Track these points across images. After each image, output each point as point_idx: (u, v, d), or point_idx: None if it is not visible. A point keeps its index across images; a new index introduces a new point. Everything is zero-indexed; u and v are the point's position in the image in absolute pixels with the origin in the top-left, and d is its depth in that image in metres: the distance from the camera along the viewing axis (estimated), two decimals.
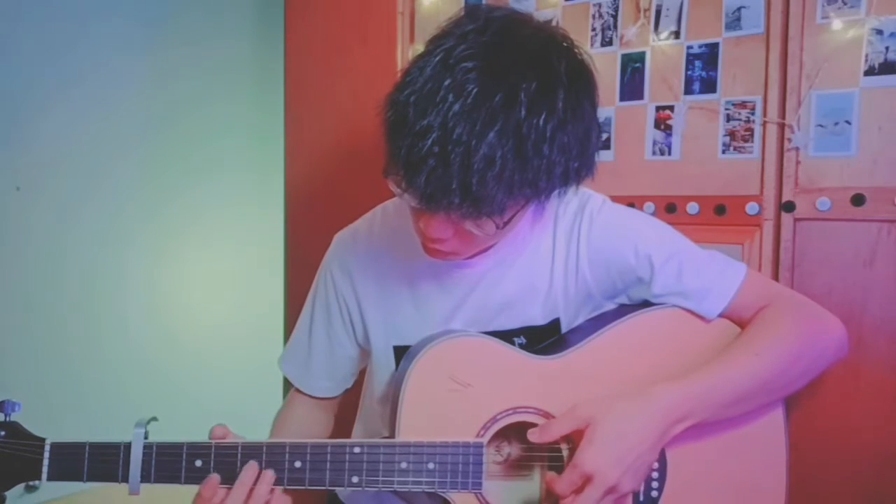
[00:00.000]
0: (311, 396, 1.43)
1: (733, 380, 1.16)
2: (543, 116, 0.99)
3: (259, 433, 1.20)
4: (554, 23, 1.11)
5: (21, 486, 1.17)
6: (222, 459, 1.13)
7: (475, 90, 0.97)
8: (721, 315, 1.25)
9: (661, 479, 1.21)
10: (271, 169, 2.52)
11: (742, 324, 1.25)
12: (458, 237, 1.11)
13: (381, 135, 1.06)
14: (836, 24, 1.41)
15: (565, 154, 1.02)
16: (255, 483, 1.12)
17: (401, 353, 1.27)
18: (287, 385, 2.02)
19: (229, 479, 1.12)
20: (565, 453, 1.16)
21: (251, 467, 1.12)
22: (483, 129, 0.97)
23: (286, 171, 2.22)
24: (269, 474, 1.12)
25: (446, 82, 0.98)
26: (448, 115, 0.97)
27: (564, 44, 1.06)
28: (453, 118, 0.97)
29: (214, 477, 1.13)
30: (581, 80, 1.05)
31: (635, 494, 1.20)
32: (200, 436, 1.17)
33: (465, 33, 1.02)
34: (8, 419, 1.14)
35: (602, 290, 1.28)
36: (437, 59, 1.01)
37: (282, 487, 1.14)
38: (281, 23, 2.21)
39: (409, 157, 1.00)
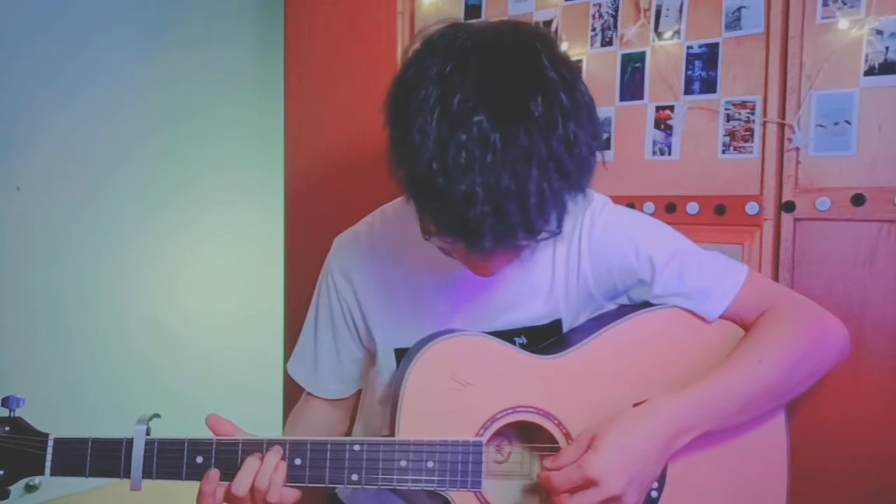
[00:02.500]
0: (323, 398, 1.43)
1: (739, 388, 1.16)
2: (561, 124, 0.97)
3: (259, 432, 1.20)
4: (554, 24, 1.11)
5: (21, 486, 1.17)
6: (223, 456, 1.14)
7: (498, 137, 0.94)
8: (722, 316, 1.25)
9: (661, 481, 1.20)
10: (271, 169, 2.52)
11: (743, 325, 1.25)
12: (504, 264, 1.11)
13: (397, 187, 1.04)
14: (836, 24, 1.41)
15: (589, 143, 1.01)
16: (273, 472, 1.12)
17: (402, 355, 1.27)
18: (287, 384, 2.03)
19: (230, 475, 1.13)
20: (563, 444, 1.16)
21: (276, 452, 1.13)
22: (524, 169, 0.95)
23: (286, 172, 2.23)
24: (283, 465, 1.13)
25: (463, 138, 0.94)
26: (487, 173, 0.94)
27: (536, 42, 1.01)
28: (493, 173, 0.94)
29: (214, 472, 1.13)
30: (566, 65, 1.02)
31: None
32: (200, 434, 1.17)
33: (444, 77, 0.97)
34: (12, 415, 1.15)
35: (603, 290, 1.28)
36: (436, 116, 0.96)
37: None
38: (281, 25, 2.21)
39: (464, 226, 0.97)
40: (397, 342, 1.30)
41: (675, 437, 1.12)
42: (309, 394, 1.45)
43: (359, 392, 1.47)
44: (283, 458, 1.14)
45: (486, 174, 0.94)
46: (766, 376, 1.17)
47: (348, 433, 1.48)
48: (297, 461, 1.14)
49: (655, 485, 1.20)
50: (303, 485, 1.14)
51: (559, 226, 1.03)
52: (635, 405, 1.16)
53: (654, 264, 1.24)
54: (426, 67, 1.00)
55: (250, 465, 1.13)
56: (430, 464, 1.13)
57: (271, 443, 1.14)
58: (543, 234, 1.02)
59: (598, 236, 1.25)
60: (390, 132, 1.03)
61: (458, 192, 0.95)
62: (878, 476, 1.40)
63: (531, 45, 1.01)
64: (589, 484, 1.06)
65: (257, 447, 1.14)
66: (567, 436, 1.17)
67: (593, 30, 1.67)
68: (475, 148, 0.94)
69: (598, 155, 1.06)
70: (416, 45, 1.05)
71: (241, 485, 1.12)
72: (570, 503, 1.06)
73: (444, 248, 1.07)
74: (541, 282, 1.27)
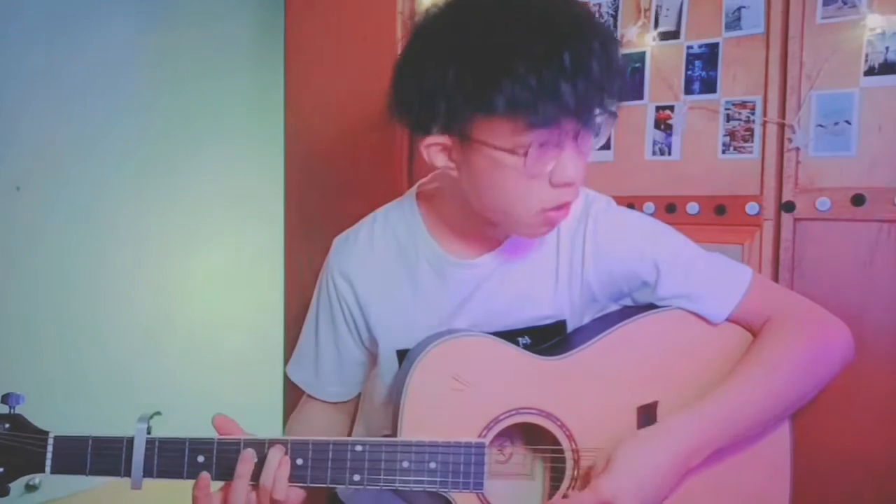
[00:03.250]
0: (322, 401, 1.43)
1: (752, 406, 1.16)
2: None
3: (259, 433, 1.20)
4: None
5: (21, 486, 1.17)
6: (224, 455, 1.13)
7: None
8: (726, 318, 1.25)
9: None
10: (272, 169, 2.52)
11: (747, 327, 1.25)
12: (581, 167, 1.12)
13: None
14: (836, 23, 1.41)
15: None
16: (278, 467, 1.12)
17: (404, 356, 1.26)
18: (287, 385, 2.03)
19: (230, 474, 1.12)
20: (568, 454, 1.16)
21: (278, 449, 1.13)
22: (595, 31, 1.06)
23: (286, 172, 2.23)
24: (287, 460, 1.13)
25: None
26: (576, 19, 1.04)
27: None
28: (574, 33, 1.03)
29: (205, 475, 1.13)
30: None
31: None
32: (201, 434, 1.17)
33: None
34: (12, 412, 1.14)
35: (607, 292, 1.28)
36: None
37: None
38: (281, 25, 2.21)
39: (575, 66, 1.01)
40: (399, 343, 1.30)
41: (689, 458, 1.12)
42: (309, 397, 1.44)
43: (358, 395, 1.47)
44: (286, 454, 1.13)
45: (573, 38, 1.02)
46: (777, 389, 1.17)
47: (348, 436, 1.47)
48: (299, 461, 1.13)
49: None
50: (304, 485, 1.14)
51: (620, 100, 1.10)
52: (639, 408, 1.16)
53: (659, 266, 1.24)
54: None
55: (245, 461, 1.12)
56: (433, 464, 1.13)
57: (273, 442, 1.14)
58: (614, 103, 1.09)
59: (603, 237, 1.25)
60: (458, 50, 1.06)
61: (545, 57, 1.00)
62: (878, 477, 1.40)
63: None
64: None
65: (259, 447, 1.14)
66: (570, 437, 1.17)
67: None
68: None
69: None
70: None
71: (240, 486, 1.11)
72: None
73: (532, 159, 1.07)
74: (545, 282, 1.27)
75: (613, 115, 1.10)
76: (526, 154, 1.05)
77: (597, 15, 1.14)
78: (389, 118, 1.17)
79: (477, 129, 1.07)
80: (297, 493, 1.14)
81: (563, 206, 1.13)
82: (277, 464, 1.12)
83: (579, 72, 1.01)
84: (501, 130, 1.05)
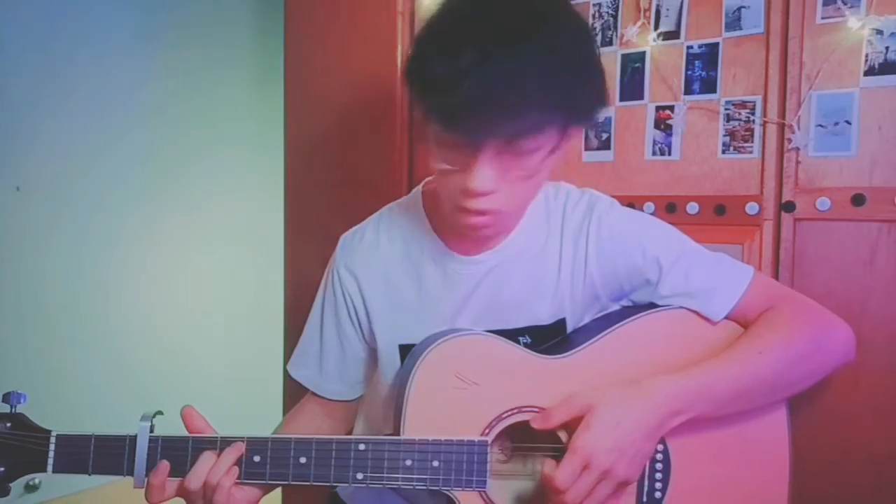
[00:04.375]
0: (324, 400, 1.43)
1: (733, 376, 1.16)
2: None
3: (259, 431, 1.20)
4: None
5: (21, 486, 1.17)
6: None
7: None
8: (727, 317, 1.25)
9: (665, 481, 1.21)
10: (272, 169, 2.52)
11: (748, 325, 1.25)
12: (503, 184, 1.10)
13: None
14: (836, 23, 1.41)
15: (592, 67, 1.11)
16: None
17: (406, 351, 1.27)
18: (288, 384, 2.03)
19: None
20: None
21: (234, 449, 1.14)
22: (521, 47, 1.01)
23: (286, 169, 2.22)
24: (235, 470, 1.13)
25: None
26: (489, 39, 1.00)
27: None
28: (489, 45, 0.99)
29: (164, 464, 1.13)
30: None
31: (638, 495, 1.20)
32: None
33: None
34: (14, 411, 1.14)
35: (609, 291, 1.29)
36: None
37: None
38: (281, 26, 2.21)
39: (471, 69, 0.99)
40: (401, 338, 1.30)
41: (668, 417, 1.12)
42: (310, 396, 1.44)
43: (356, 402, 1.47)
44: (241, 457, 1.14)
45: (492, 39, 1.00)
46: (763, 368, 1.17)
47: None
48: (302, 459, 1.14)
49: (660, 486, 1.20)
50: (307, 483, 1.14)
51: (556, 142, 1.07)
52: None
53: (661, 265, 1.24)
54: None
55: (205, 460, 1.13)
56: (436, 463, 1.14)
57: (276, 441, 1.14)
58: (532, 134, 1.04)
59: (606, 237, 1.26)
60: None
61: (452, 50, 1.00)
62: (877, 474, 1.40)
63: None
64: (584, 463, 1.07)
65: (262, 445, 1.14)
66: (566, 424, 1.17)
67: (593, 29, 1.67)
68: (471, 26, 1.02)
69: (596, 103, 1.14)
70: None
71: (195, 480, 1.12)
72: (570, 494, 1.06)
73: (442, 151, 1.09)
74: (546, 281, 1.27)
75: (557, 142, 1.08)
76: (433, 142, 1.09)
77: (572, 23, 1.10)
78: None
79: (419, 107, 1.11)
80: (246, 498, 1.16)
81: (478, 214, 1.13)
82: (225, 469, 1.13)
83: (480, 74, 0.98)
84: (422, 114, 1.09)
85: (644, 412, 1.11)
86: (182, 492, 1.15)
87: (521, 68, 0.99)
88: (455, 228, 1.22)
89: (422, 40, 1.08)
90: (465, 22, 1.03)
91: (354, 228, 1.40)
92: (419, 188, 1.37)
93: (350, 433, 1.48)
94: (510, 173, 1.09)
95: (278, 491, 1.65)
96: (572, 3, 1.66)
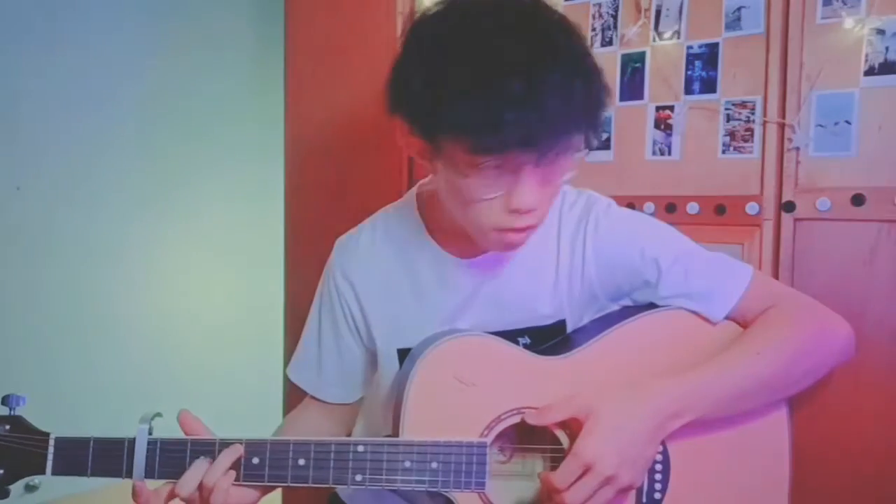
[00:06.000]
0: (323, 402, 1.43)
1: (733, 377, 1.16)
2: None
3: (259, 434, 1.20)
4: None
5: (21, 486, 1.17)
6: None
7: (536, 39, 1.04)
8: (727, 317, 1.25)
9: (665, 481, 1.21)
10: (271, 168, 2.52)
11: (747, 325, 1.25)
12: (543, 195, 1.11)
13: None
14: (836, 23, 1.41)
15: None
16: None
17: (404, 355, 1.26)
18: (288, 387, 2.03)
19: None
20: (566, 444, 1.16)
21: (233, 451, 1.14)
22: (563, 66, 1.03)
23: (286, 173, 2.22)
24: (232, 471, 1.13)
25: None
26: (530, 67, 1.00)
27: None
28: (536, 66, 1.00)
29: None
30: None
31: (638, 495, 1.20)
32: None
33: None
34: (12, 413, 1.14)
35: (607, 292, 1.28)
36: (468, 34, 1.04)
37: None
38: (281, 26, 2.21)
39: (524, 97, 0.99)
40: (400, 342, 1.30)
41: (668, 420, 1.12)
42: (310, 399, 1.44)
43: (357, 404, 1.47)
44: (239, 459, 1.14)
45: (529, 68, 1.00)
46: (762, 369, 1.17)
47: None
48: (301, 461, 1.13)
49: (659, 486, 1.20)
50: (306, 485, 1.14)
51: (588, 140, 1.09)
52: None
53: (660, 265, 1.24)
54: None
55: (198, 466, 1.13)
56: (434, 464, 1.13)
57: (275, 443, 1.14)
58: (574, 148, 1.07)
59: (604, 238, 1.26)
60: (415, 69, 1.08)
61: (496, 84, 0.99)
62: (878, 474, 1.40)
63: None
64: (586, 470, 1.06)
65: (261, 448, 1.14)
66: (571, 437, 1.17)
67: (593, 30, 1.67)
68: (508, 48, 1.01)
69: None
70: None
71: (185, 486, 1.12)
72: (570, 495, 1.06)
73: (484, 180, 1.07)
74: (544, 282, 1.27)
75: (583, 149, 1.10)
76: (470, 176, 1.06)
77: (582, 53, 1.09)
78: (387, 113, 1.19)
79: (441, 140, 1.07)
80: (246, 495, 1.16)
81: (521, 230, 1.13)
82: (223, 470, 1.12)
83: (526, 102, 0.99)
84: (456, 148, 1.05)
85: (645, 416, 1.10)
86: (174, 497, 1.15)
87: (566, 88, 1.01)
88: (492, 249, 1.21)
89: (437, 79, 1.03)
90: (487, 52, 1.01)
91: (349, 232, 1.40)
92: (413, 191, 1.36)
93: (350, 435, 1.48)
94: (548, 186, 1.10)
95: (278, 491, 1.65)
96: (572, 3, 1.69)
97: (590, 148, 1.11)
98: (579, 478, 1.07)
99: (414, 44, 1.12)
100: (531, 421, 1.14)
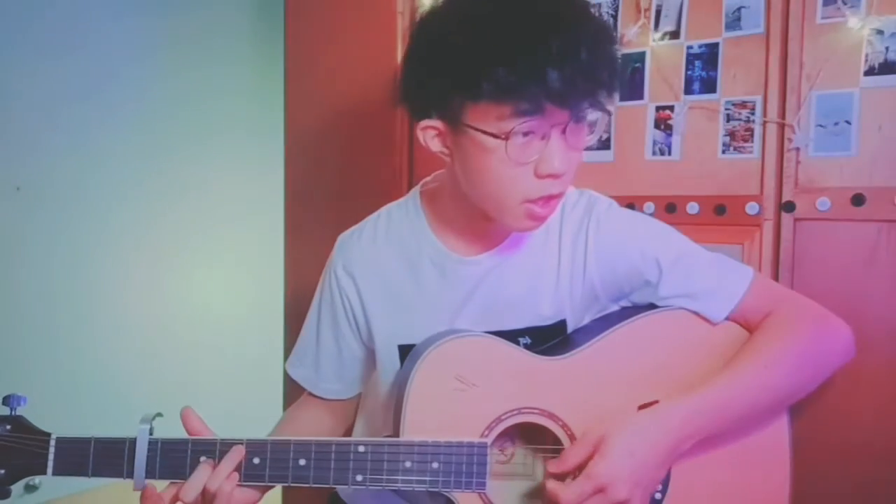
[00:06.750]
0: (322, 399, 1.43)
1: (744, 394, 1.16)
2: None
3: (259, 433, 1.20)
4: None
5: (21, 486, 1.17)
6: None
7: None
8: (727, 318, 1.25)
9: (665, 483, 1.20)
10: (272, 168, 2.52)
11: (748, 326, 1.25)
12: (570, 160, 1.12)
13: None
14: (836, 23, 1.41)
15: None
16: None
17: (405, 351, 1.27)
18: (287, 384, 2.03)
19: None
20: (566, 445, 1.17)
21: (236, 452, 1.14)
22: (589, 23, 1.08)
23: (286, 171, 2.22)
24: (235, 475, 1.13)
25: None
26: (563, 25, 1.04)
27: None
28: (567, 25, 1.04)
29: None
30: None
31: None
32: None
33: None
34: (13, 413, 1.14)
35: (608, 292, 1.28)
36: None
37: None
38: (281, 25, 2.21)
39: (562, 52, 1.02)
40: (400, 339, 1.30)
41: (681, 442, 1.12)
42: (308, 395, 1.44)
43: (356, 399, 1.47)
44: (241, 462, 1.14)
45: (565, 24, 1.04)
46: (771, 382, 1.17)
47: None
48: (302, 461, 1.13)
49: (659, 487, 1.20)
50: (307, 485, 1.14)
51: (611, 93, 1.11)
52: (640, 407, 1.16)
53: (661, 265, 1.24)
54: None
55: (202, 470, 1.13)
56: (435, 464, 1.13)
57: (275, 443, 1.14)
58: (607, 97, 1.10)
59: (605, 238, 1.26)
60: (447, 35, 1.09)
61: (539, 43, 1.02)
62: (877, 473, 1.40)
63: None
64: (598, 491, 1.06)
65: (261, 447, 1.14)
66: (571, 437, 1.17)
67: None
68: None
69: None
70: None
71: (190, 491, 1.12)
72: None
73: (513, 149, 1.08)
74: (545, 282, 1.27)
75: (606, 111, 1.11)
76: (508, 139, 1.07)
77: (595, 12, 1.12)
78: (395, 104, 1.21)
79: (466, 113, 1.09)
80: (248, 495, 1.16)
81: (548, 201, 1.14)
82: (225, 475, 1.12)
83: (566, 58, 1.02)
84: (489, 115, 1.07)
85: (658, 440, 1.10)
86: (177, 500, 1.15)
87: (596, 41, 1.06)
88: (518, 227, 1.20)
89: (471, 44, 1.05)
90: (520, 12, 1.04)
91: (352, 229, 1.40)
92: (417, 189, 1.36)
93: (350, 429, 1.48)
94: (573, 152, 1.12)
95: (278, 491, 1.65)
96: None
97: (612, 100, 1.14)
98: (588, 497, 1.06)
99: (430, 21, 1.14)
100: (553, 469, 1.12)
